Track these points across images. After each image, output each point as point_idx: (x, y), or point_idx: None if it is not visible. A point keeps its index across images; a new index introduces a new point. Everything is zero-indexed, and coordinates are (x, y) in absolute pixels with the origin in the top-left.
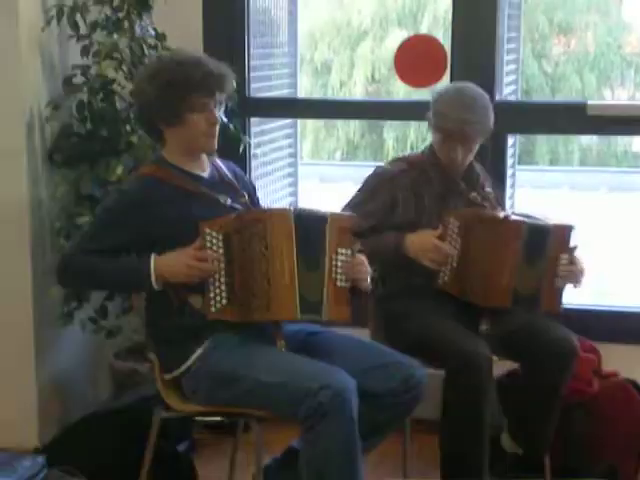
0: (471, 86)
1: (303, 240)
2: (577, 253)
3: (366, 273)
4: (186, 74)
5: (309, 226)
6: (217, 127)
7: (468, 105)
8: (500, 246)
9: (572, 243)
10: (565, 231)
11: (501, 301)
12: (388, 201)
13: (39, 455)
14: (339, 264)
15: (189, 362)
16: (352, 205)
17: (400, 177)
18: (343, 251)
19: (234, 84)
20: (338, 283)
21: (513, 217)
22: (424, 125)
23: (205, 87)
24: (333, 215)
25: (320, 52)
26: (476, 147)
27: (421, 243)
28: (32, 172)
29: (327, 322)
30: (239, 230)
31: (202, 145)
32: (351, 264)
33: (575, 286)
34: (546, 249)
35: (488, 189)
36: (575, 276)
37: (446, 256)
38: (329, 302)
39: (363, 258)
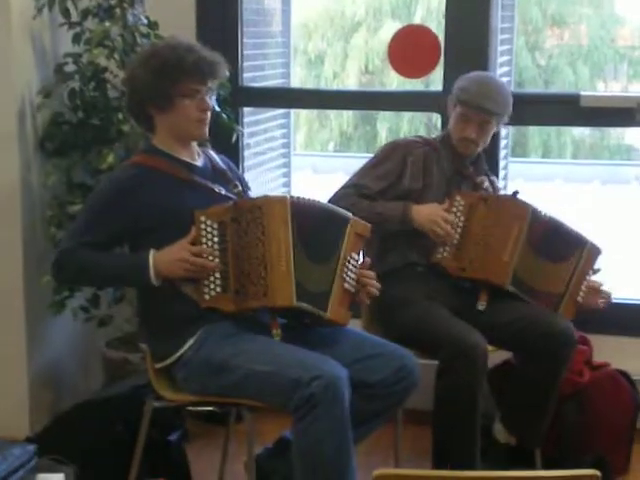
0: (494, 75)
1: (311, 231)
2: (597, 277)
3: (373, 288)
4: (179, 58)
5: (324, 221)
6: (208, 114)
7: (492, 85)
8: (504, 223)
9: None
10: (597, 252)
11: (500, 277)
12: (399, 165)
13: (29, 444)
14: (350, 267)
15: (181, 351)
16: (365, 168)
17: (414, 146)
18: (355, 256)
19: (226, 73)
20: (346, 285)
21: (519, 198)
22: (417, 117)
23: (197, 72)
24: (354, 220)
25: (314, 43)
26: (491, 133)
27: (428, 213)
28: (24, 160)
29: (328, 321)
30: (236, 218)
31: (193, 131)
32: (360, 273)
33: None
34: (580, 255)
35: (493, 179)
36: (596, 299)
37: (451, 230)
38: (334, 301)
39: (374, 274)
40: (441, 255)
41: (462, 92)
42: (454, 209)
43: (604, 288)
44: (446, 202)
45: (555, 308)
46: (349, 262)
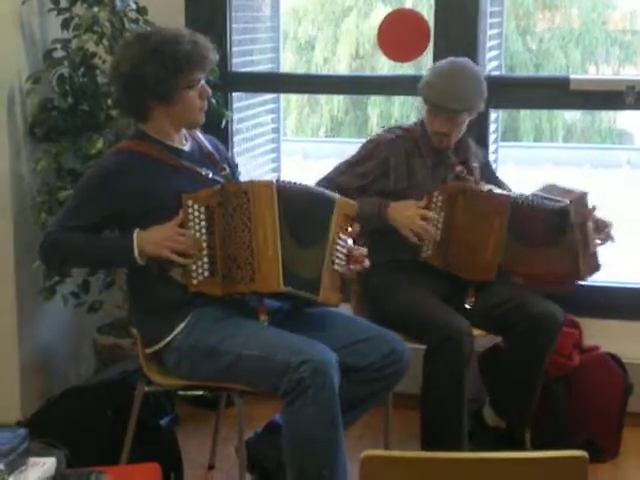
0: (467, 62)
1: (298, 215)
2: (597, 213)
3: (363, 265)
4: (186, 51)
5: (311, 204)
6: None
7: (456, 78)
8: (484, 218)
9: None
10: (582, 200)
11: (484, 275)
12: (381, 165)
13: (20, 428)
14: (339, 249)
15: (171, 336)
16: (345, 164)
17: (395, 142)
18: (343, 237)
19: (216, 56)
20: (336, 267)
21: (497, 191)
22: (408, 101)
23: (201, 62)
24: (341, 200)
25: (304, 28)
26: (463, 124)
27: (405, 214)
28: (13, 146)
29: (321, 304)
30: (222, 202)
31: (195, 120)
32: (350, 252)
33: (611, 241)
34: (571, 226)
35: (474, 164)
36: (606, 235)
37: (427, 228)
38: (325, 284)
39: (364, 250)
40: (425, 254)
41: (426, 88)
42: (433, 205)
43: (605, 224)
44: (424, 199)
45: (576, 276)
46: (338, 244)
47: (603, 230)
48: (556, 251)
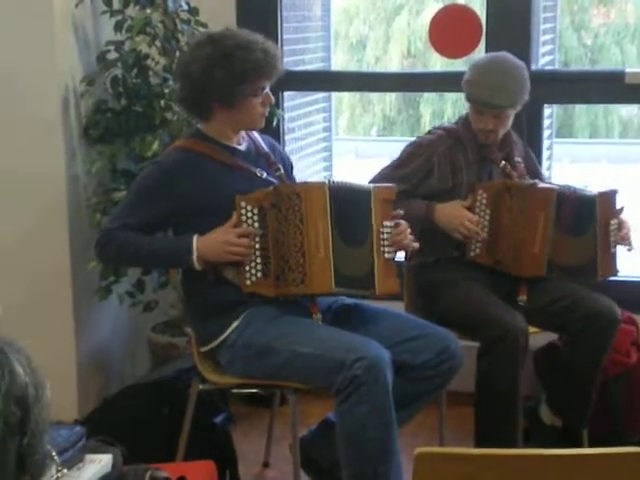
0: (507, 56)
1: (344, 215)
2: (623, 215)
3: (410, 240)
4: (257, 60)
5: (352, 201)
6: None
7: (498, 74)
8: (530, 213)
9: (618, 206)
10: (610, 197)
11: (534, 270)
12: (424, 166)
13: (77, 425)
14: (385, 237)
15: (225, 334)
16: (388, 168)
17: (437, 143)
18: (388, 224)
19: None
20: (386, 256)
21: (541, 185)
22: (461, 99)
23: (268, 72)
24: (376, 188)
25: (355, 27)
26: (509, 119)
27: (450, 214)
28: (68, 147)
29: (379, 296)
30: (275, 203)
31: (255, 125)
32: (396, 234)
33: (628, 249)
34: (595, 218)
35: (517, 159)
36: (627, 239)
37: (474, 229)
38: (380, 276)
39: (404, 225)
40: (474, 253)
41: (469, 86)
42: (477, 203)
43: (626, 225)
44: (469, 198)
45: (594, 273)
46: (383, 233)
47: (625, 234)
48: (576, 242)
